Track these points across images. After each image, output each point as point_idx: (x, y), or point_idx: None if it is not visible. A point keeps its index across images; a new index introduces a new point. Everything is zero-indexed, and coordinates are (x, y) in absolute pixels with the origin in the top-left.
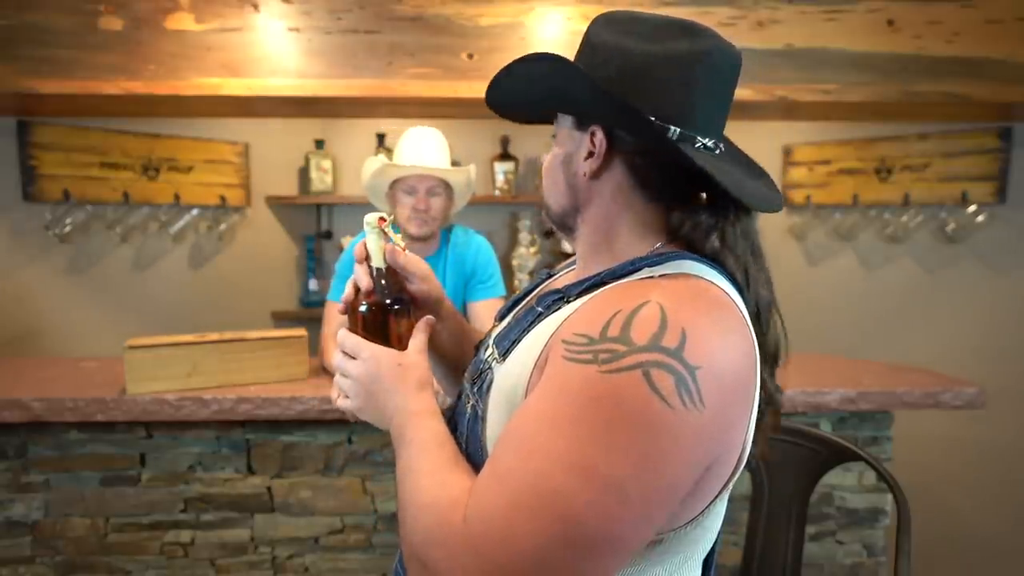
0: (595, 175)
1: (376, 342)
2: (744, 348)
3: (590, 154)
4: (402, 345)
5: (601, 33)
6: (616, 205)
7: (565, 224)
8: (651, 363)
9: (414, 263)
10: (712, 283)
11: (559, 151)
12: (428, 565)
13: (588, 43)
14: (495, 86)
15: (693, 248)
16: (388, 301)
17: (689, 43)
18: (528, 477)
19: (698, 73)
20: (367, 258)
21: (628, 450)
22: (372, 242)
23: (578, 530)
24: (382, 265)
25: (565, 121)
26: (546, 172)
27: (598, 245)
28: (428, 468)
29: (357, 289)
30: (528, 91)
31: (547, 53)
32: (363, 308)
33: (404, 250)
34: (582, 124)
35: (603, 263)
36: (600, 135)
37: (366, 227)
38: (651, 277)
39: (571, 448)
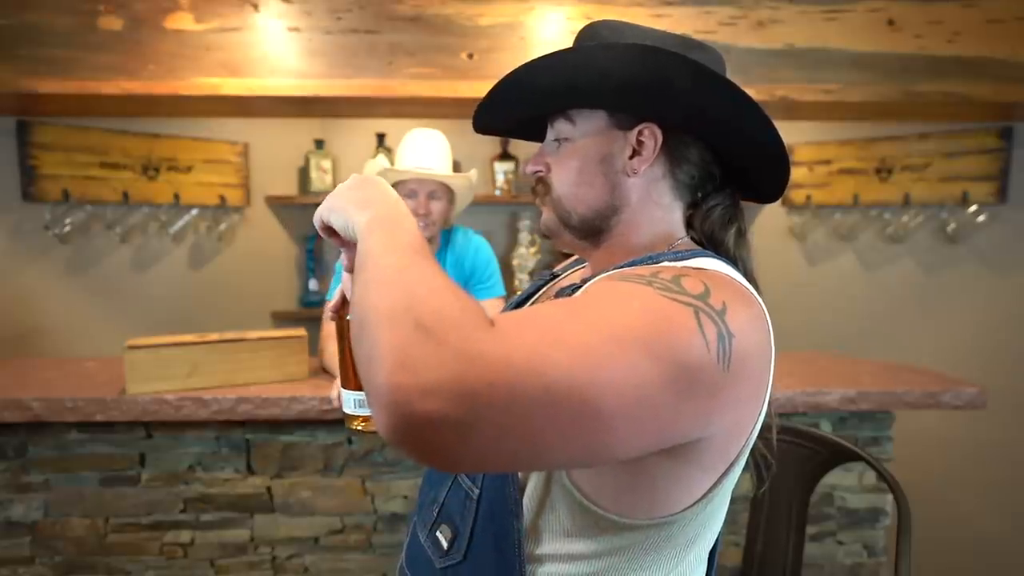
0: (640, 173)
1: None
2: (767, 340)
3: (635, 153)
4: None
5: (619, 39)
6: (650, 202)
7: (596, 227)
8: (700, 308)
9: None
10: (733, 278)
11: (586, 153)
12: (433, 336)
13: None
14: (545, 67)
15: (712, 241)
16: None
17: (708, 55)
18: (571, 329)
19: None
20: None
21: (662, 364)
22: None
23: (592, 400)
24: None
25: (590, 122)
26: (575, 174)
27: (624, 244)
28: (436, 268)
29: (344, 298)
30: (597, 79)
31: (644, 45)
32: (349, 317)
33: None
34: (623, 122)
35: (619, 263)
36: (653, 131)
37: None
38: (674, 266)
39: (617, 324)
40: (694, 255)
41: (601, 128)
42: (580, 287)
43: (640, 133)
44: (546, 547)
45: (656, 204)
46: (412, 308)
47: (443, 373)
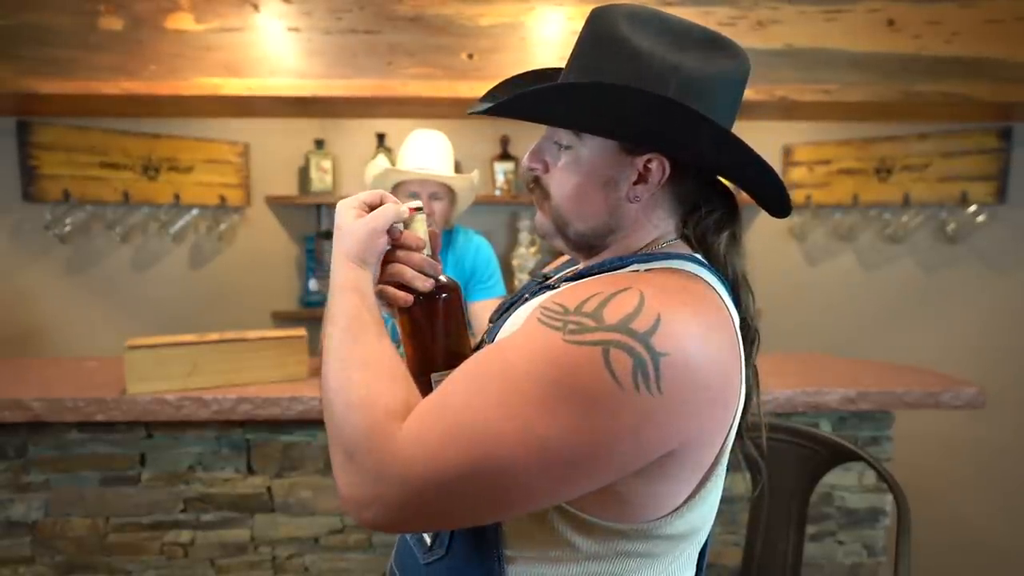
0: (642, 200)
1: (451, 325)
2: (721, 343)
3: (641, 178)
4: (464, 324)
5: (638, 39)
6: (648, 223)
7: (590, 243)
8: (612, 342)
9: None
10: (699, 277)
11: (589, 172)
12: (354, 461)
13: (628, 48)
14: (560, 99)
15: (702, 244)
16: (449, 281)
17: (732, 60)
18: (468, 413)
19: (740, 91)
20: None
21: (565, 416)
22: (424, 230)
23: (496, 474)
24: (430, 252)
25: (596, 141)
26: (575, 191)
27: (615, 254)
28: (358, 361)
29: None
30: (601, 118)
31: (646, 92)
32: (444, 295)
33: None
34: (631, 147)
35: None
36: (662, 163)
37: (417, 214)
38: (638, 271)
39: (514, 400)
40: (666, 258)
41: (607, 149)
42: (551, 285)
43: (648, 161)
44: (526, 547)
45: (654, 226)
46: (338, 436)
47: (369, 492)
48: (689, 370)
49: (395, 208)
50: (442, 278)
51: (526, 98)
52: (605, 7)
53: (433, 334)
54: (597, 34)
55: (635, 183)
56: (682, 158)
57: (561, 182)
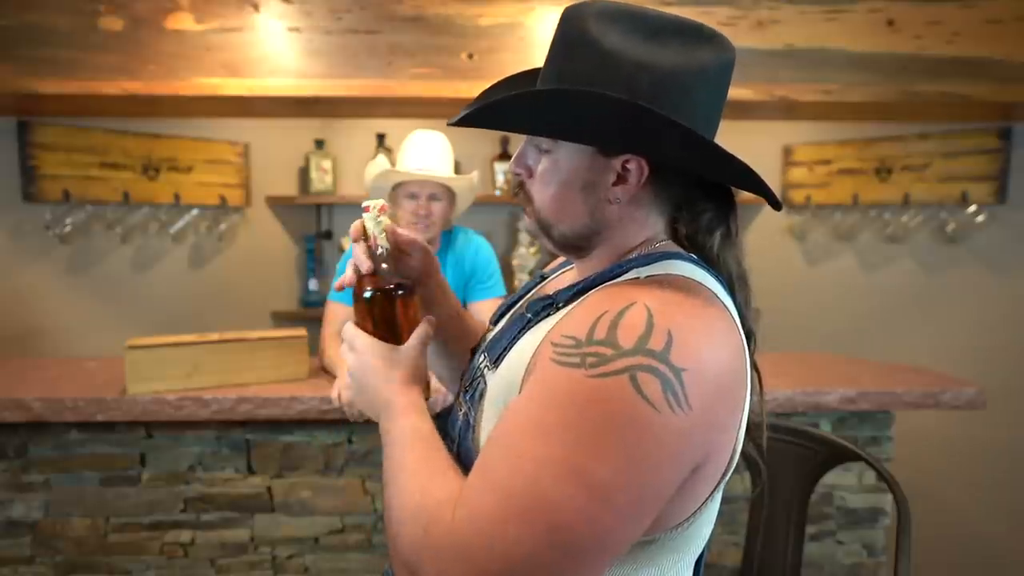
0: (623, 200)
1: (384, 328)
2: (731, 348)
3: (620, 179)
4: (410, 329)
5: (608, 38)
6: (632, 223)
7: (576, 245)
8: (637, 366)
9: (408, 240)
10: (700, 283)
11: (567, 177)
12: (417, 571)
13: (596, 49)
14: (510, 107)
15: (694, 244)
16: (392, 286)
17: (712, 52)
18: (517, 482)
19: (725, 83)
20: (366, 239)
21: (615, 455)
22: (375, 225)
23: (567, 535)
24: (387, 246)
25: (574, 144)
26: (555, 196)
27: (606, 255)
28: (412, 469)
29: (358, 272)
30: (572, 122)
31: (607, 95)
32: (367, 295)
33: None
34: (608, 149)
35: (600, 268)
36: (640, 164)
37: (372, 211)
38: (638, 279)
39: (559, 454)
40: (663, 258)
41: (584, 152)
42: (553, 302)
43: (625, 161)
44: None
45: (640, 225)
46: (400, 551)
47: None
48: (710, 381)
49: (428, 327)
50: (390, 276)
51: (491, 108)
52: (576, 5)
53: (370, 326)
54: (567, 35)
55: (614, 184)
56: (656, 159)
57: (542, 187)
